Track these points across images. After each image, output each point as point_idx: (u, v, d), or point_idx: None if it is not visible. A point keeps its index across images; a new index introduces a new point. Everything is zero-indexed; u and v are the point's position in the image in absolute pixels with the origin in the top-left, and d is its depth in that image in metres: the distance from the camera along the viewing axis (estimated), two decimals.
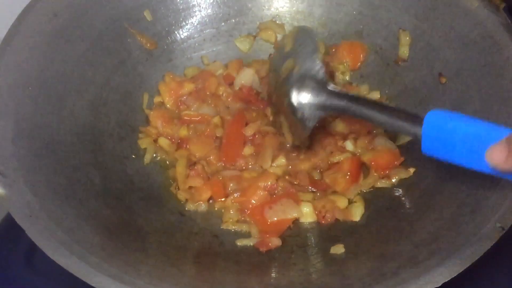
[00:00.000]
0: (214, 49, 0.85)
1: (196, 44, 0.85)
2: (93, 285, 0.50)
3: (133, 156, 0.74)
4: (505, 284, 0.67)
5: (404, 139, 0.72)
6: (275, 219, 0.67)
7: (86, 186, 0.64)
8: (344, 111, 0.62)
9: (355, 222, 0.67)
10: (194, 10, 0.84)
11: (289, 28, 0.85)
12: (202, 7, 0.84)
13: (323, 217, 0.67)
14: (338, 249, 0.62)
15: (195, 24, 0.85)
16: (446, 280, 0.50)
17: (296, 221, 0.68)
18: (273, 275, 0.61)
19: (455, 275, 0.50)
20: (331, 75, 0.81)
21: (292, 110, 0.64)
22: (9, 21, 0.69)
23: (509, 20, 0.69)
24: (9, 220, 0.75)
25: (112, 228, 0.61)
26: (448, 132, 0.50)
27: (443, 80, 0.72)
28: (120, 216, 0.64)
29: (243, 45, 0.85)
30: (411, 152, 0.71)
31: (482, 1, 0.70)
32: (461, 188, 0.61)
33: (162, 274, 0.55)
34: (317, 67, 0.65)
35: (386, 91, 0.78)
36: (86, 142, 0.69)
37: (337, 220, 0.67)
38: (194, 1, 0.84)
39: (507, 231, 0.53)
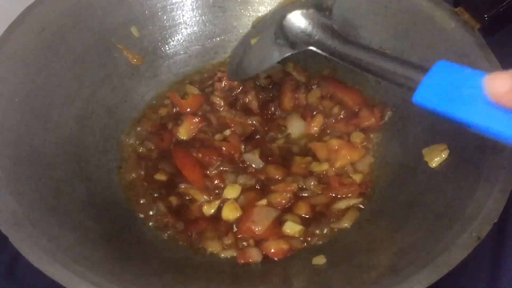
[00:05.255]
0: (200, 65, 0.87)
1: (182, 61, 0.86)
2: None
3: (118, 169, 0.74)
4: None
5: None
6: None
7: (71, 197, 0.65)
8: (336, 51, 0.63)
9: (337, 234, 0.68)
10: (180, 27, 0.86)
11: None
12: (188, 25, 0.86)
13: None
14: (319, 260, 0.63)
15: (181, 41, 0.87)
16: (425, 287, 0.51)
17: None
18: (254, 285, 0.61)
19: (433, 282, 0.51)
20: None
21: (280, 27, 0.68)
22: None
23: (483, 40, 0.71)
24: None
25: (96, 239, 0.61)
26: (455, 81, 0.48)
27: None
28: (104, 227, 0.64)
29: None
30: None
31: (458, 22, 0.73)
32: (438, 200, 0.62)
33: (145, 283, 0.55)
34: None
35: None
36: (71, 154, 0.70)
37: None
38: (180, 18, 0.86)
39: (482, 240, 0.54)
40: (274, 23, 0.74)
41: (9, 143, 0.63)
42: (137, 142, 0.77)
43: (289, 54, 0.72)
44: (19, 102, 0.67)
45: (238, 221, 0.68)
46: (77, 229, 0.60)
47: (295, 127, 0.78)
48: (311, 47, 0.69)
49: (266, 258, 0.65)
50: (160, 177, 0.73)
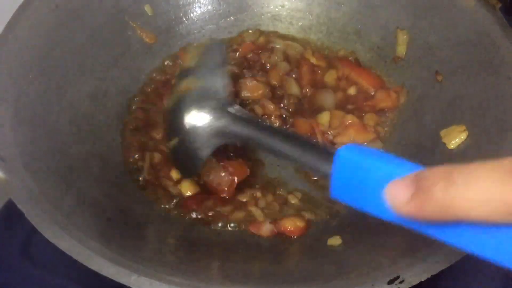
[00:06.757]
0: None
1: (196, 40, 0.85)
2: (92, 268, 0.50)
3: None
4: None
5: None
6: None
7: (85, 175, 0.65)
8: (247, 140, 0.54)
9: (350, 215, 0.67)
10: (194, 6, 0.85)
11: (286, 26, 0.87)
12: (202, 3, 0.85)
13: None
14: (335, 241, 0.62)
15: (195, 20, 0.86)
16: (443, 268, 0.50)
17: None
18: (270, 263, 0.61)
19: (452, 263, 0.51)
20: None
21: (184, 136, 0.58)
22: (12, 10, 0.70)
23: (505, 19, 0.70)
24: (6, 211, 0.76)
25: (111, 216, 0.61)
26: (361, 171, 0.41)
27: (440, 78, 0.73)
28: (118, 205, 0.64)
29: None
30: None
31: (479, 1, 0.71)
32: None
33: (160, 259, 0.55)
34: (220, 84, 0.57)
35: None
36: (85, 132, 0.70)
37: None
38: None
39: None
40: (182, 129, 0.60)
41: (24, 120, 0.63)
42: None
43: (208, 154, 0.59)
44: (34, 79, 0.67)
45: None
46: (92, 206, 0.60)
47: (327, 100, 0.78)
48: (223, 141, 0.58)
49: (281, 236, 0.65)
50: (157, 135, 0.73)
